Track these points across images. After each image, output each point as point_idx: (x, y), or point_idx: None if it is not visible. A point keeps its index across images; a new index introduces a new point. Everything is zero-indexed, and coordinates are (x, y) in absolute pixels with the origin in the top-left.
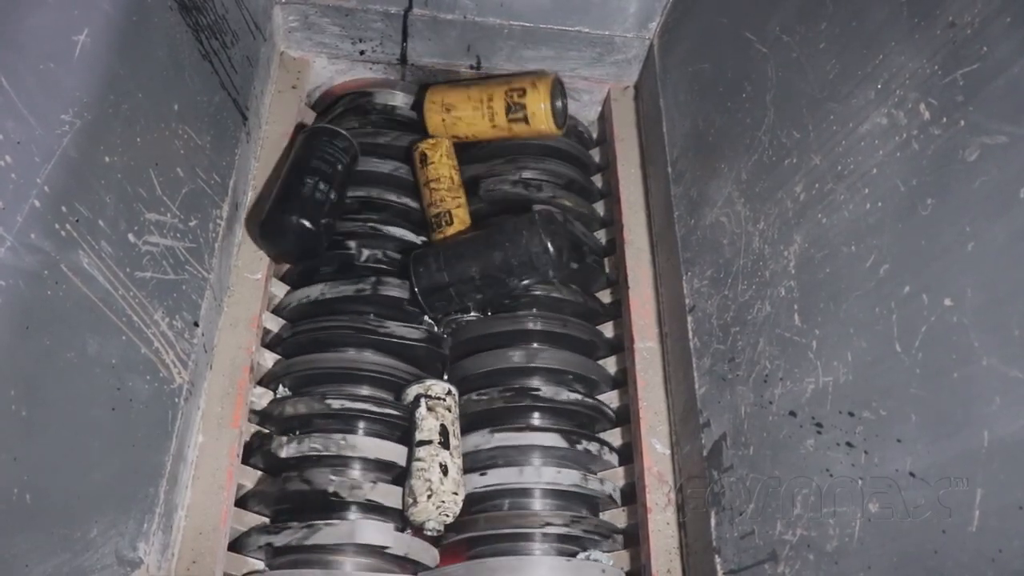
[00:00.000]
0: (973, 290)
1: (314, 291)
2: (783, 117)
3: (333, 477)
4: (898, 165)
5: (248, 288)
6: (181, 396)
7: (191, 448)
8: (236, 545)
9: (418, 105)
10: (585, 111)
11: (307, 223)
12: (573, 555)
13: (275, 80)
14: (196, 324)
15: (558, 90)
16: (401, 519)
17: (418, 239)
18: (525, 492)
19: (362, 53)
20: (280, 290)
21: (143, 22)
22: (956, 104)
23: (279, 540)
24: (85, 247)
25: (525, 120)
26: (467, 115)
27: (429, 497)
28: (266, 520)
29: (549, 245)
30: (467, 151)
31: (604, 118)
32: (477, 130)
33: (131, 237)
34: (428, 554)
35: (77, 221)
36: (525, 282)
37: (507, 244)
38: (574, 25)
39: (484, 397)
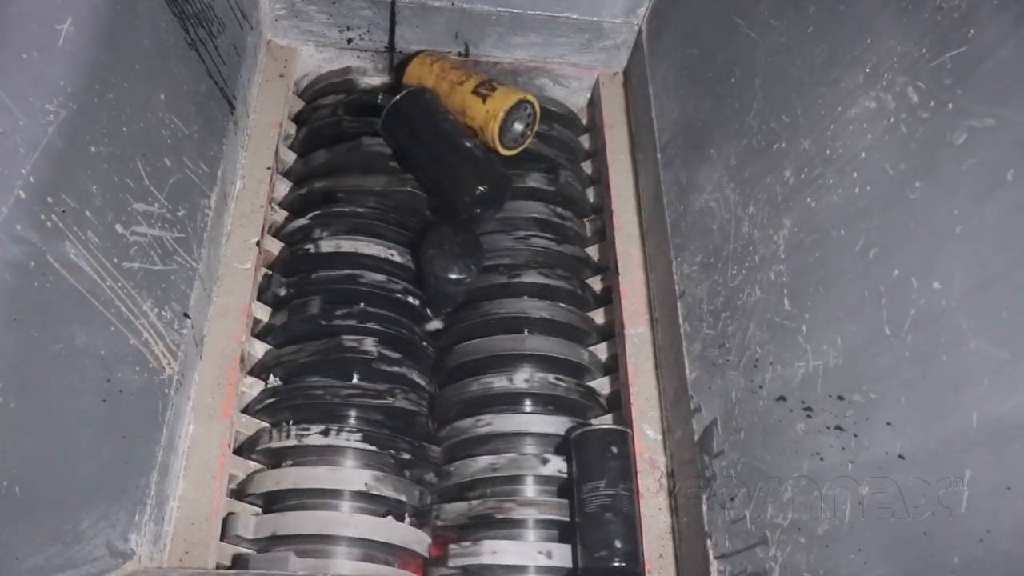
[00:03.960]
0: (961, 273)
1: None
2: (772, 102)
3: None
4: (886, 149)
5: (238, 278)
6: (171, 387)
7: (182, 439)
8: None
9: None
10: (574, 97)
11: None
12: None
13: (262, 69)
14: (186, 315)
15: (513, 118)
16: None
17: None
18: (517, 478)
19: (350, 41)
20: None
21: (128, 10)
22: (944, 87)
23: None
24: (72, 238)
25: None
26: None
27: None
28: (258, 510)
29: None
30: None
31: (593, 104)
32: None
33: (118, 227)
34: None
35: (63, 212)
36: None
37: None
38: (562, 11)
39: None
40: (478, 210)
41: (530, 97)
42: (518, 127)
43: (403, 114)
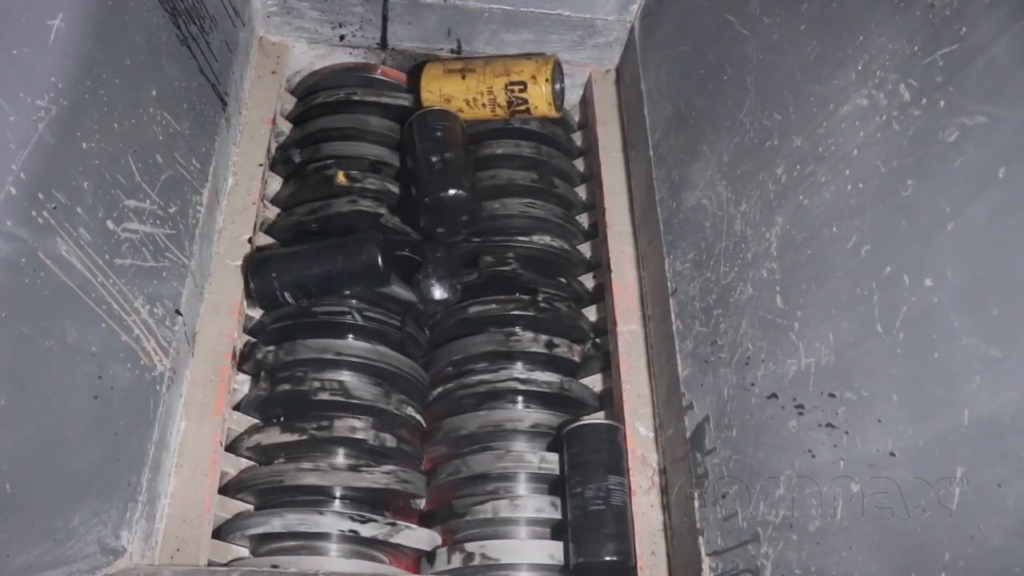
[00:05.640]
0: (953, 270)
1: None
2: (764, 99)
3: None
4: (879, 146)
5: (229, 275)
6: (163, 384)
7: (174, 436)
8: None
9: (412, 88)
10: (567, 95)
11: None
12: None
13: (254, 65)
14: (178, 311)
15: (557, 76)
16: None
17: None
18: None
19: (342, 38)
20: None
21: (119, 6)
22: (936, 85)
23: (366, 531)
24: (63, 234)
25: (528, 111)
26: (466, 107)
27: None
28: (250, 508)
29: (380, 261)
30: None
31: (586, 102)
32: (477, 116)
33: (110, 224)
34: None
35: (55, 208)
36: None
37: (341, 257)
38: (555, 8)
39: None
40: (435, 219)
41: (547, 63)
42: (558, 87)
43: (410, 128)
